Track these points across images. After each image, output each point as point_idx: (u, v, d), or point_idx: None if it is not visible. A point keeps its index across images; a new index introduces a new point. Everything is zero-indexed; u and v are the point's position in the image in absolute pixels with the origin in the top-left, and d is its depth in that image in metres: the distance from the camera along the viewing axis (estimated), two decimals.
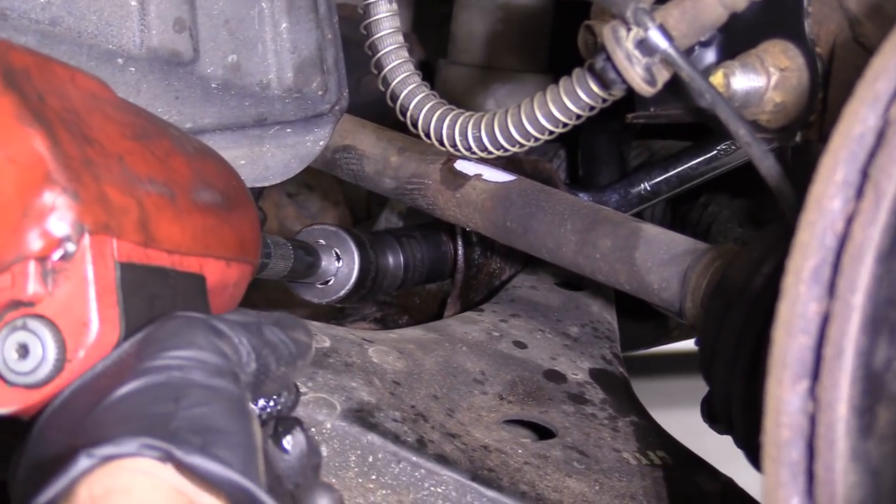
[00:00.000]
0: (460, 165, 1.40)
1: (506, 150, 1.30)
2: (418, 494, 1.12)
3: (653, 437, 1.28)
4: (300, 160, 1.30)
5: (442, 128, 1.34)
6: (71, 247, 0.80)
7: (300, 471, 0.88)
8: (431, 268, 1.56)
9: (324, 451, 1.12)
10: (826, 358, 0.74)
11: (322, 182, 2.10)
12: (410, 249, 1.54)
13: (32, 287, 0.79)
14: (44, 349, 0.79)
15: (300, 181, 2.09)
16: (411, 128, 1.37)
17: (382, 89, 1.38)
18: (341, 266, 1.45)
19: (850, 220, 0.75)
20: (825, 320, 0.74)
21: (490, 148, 1.30)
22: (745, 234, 1.65)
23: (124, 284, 0.82)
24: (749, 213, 1.69)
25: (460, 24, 1.93)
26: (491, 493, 1.13)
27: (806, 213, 0.76)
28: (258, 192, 1.64)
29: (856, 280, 0.73)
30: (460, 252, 1.57)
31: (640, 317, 1.75)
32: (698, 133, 1.67)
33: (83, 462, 0.71)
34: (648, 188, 1.63)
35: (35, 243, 0.79)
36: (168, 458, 0.72)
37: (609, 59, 1.09)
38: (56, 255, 0.79)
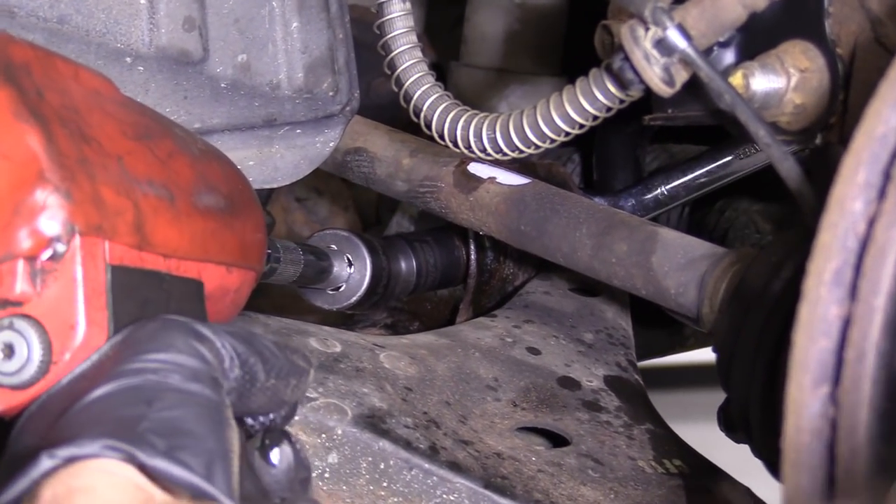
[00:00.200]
0: (474, 168, 1.41)
1: (521, 151, 1.30)
2: (430, 502, 1.13)
3: (669, 445, 1.28)
4: (310, 161, 1.31)
5: (456, 129, 1.34)
6: (61, 247, 0.79)
7: (287, 485, 0.88)
8: (444, 273, 1.56)
9: (334, 457, 1.13)
10: (848, 361, 0.74)
11: (331, 186, 2.10)
12: (423, 254, 1.54)
13: (20, 286, 0.79)
14: (29, 350, 0.79)
15: (309, 185, 2.09)
16: (424, 129, 1.38)
17: (395, 90, 1.39)
18: (353, 272, 1.45)
19: (872, 222, 0.75)
20: (846, 323, 0.75)
21: (505, 149, 1.31)
22: (763, 240, 1.65)
23: (115, 287, 0.82)
24: (768, 217, 1.69)
25: (473, 25, 1.94)
26: (504, 501, 1.13)
27: (827, 214, 0.77)
28: (266, 196, 1.64)
29: (878, 282, 0.74)
30: (472, 257, 1.57)
31: (654, 324, 1.75)
32: (714, 137, 1.68)
33: (45, 463, 0.72)
34: (666, 192, 1.63)
35: (24, 242, 0.79)
36: (130, 459, 0.73)
37: (627, 58, 1.09)
38: (45, 255, 0.79)
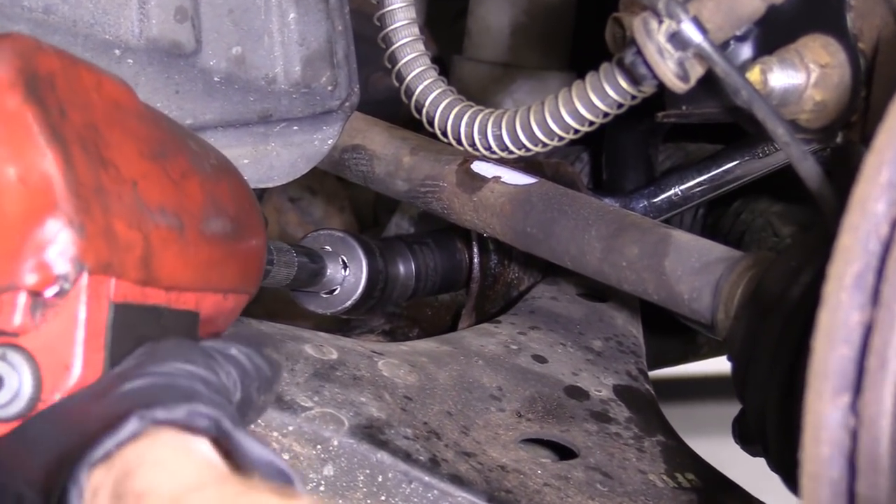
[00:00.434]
0: (477, 167, 1.41)
1: (527, 149, 1.31)
2: None
3: (681, 458, 1.28)
4: (307, 160, 1.31)
5: (460, 126, 1.35)
6: (67, 285, 0.80)
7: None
8: (445, 277, 1.56)
9: (330, 469, 1.13)
10: (869, 370, 0.74)
11: (326, 186, 2.11)
12: (423, 257, 1.54)
13: (19, 318, 0.80)
14: (20, 384, 0.80)
15: (303, 184, 2.09)
16: (427, 126, 1.38)
17: (397, 84, 1.39)
18: (348, 274, 1.45)
19: (894, 224, 0.75)
20: (868, 330, 0.75)
21: (511, 147, 1.31)
22: (781, 243, 1.65)
23: (115, 327, 0.83)
24: (786, 219, 1.69)
25: (477, 18, 1.94)
26: None
27: (848, 216, 0.77)
28: (259, 195, 1.64)
29: None
30: (476, 260, 1.57)
31: (666, 331, 1.75)
32: (730, 136, 1.68)
33: (134, 424, 0.73)
34: (680, 193, 1.63)
35: (30, 275, 0.79)
36: (216, 427, 0.74)
37: (639, 52, 1.10)
38: (50, 292, 0.80)
